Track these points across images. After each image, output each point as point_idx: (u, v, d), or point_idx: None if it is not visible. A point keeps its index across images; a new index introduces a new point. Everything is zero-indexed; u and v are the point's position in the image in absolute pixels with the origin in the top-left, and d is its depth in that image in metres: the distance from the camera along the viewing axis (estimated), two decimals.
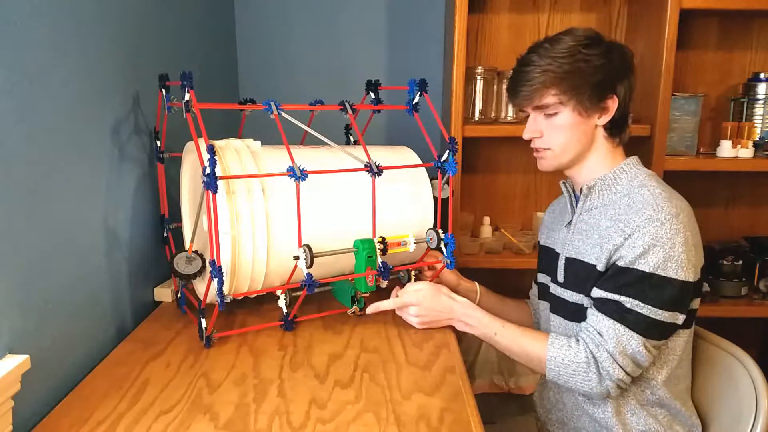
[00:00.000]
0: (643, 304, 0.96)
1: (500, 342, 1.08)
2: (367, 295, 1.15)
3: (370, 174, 1.09)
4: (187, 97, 0.98)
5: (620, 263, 0.99)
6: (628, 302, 0.97)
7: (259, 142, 1.11)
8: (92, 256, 1.01)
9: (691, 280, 0.97)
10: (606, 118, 1.05)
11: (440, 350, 1.04)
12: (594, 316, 1.01)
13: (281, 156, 1.09)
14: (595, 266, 1.03)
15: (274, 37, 1.87)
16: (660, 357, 1.03)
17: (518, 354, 1.07)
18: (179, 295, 1.19)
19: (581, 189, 1.10)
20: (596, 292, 1.02)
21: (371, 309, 1.15)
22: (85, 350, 0.98)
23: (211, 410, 0.84)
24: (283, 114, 1.07)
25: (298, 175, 1.00)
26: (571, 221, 1.13)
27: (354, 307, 1.17)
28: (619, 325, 0.98)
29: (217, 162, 0.94)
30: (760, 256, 1.74)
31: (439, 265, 1.24)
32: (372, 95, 1.26)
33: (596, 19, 1.83)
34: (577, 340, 1.02)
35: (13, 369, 0.74)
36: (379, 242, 1.10)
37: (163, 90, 1.13)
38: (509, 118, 1.76)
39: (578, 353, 1.00)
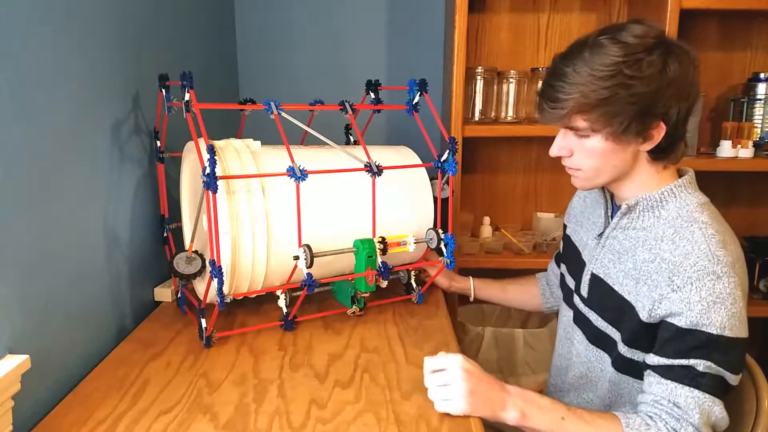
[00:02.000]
0: (715, 366, 0.85)
1: (569, 429, 0.87)
2: (367, 295, 1.15)
3: (370, 174, 1.09)
4: (187, 97, 0.98)
5: (679, 323, 0.86)
6: (700, 365, 0.85)
7: (258, 142, 1.11)
8: (92, 256, 1.01)
9: (747, 336, 0.88)
10: (650, 146, 0.90)
11: (440, 350, 1.04)
12: (662, 386, 0.87)
13: (281, 156, 1.09)
14: (632, 306, 0.93)
15: (274, 37, 1.87)
16: None
17: None
18: (179, 295, 1.19)
19: (620, 205, 0.98)
20: (656, 360, 0.89)
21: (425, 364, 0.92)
22: (85, 350, 0.98)
23: (211, 410, 0.84)
24: (283, 114, 1.07)
25: (298, 175, 1.00)
26: (602, 233, 1.03)
27: (354, 307, 1.17)
28: (697, 392, 0.85)
29: (217, 162, 0.94)
30: (760, 256, 1.74)
31: (433, 269, 1.24)
32: (372, 95, 1.26)
33: (596, 19, 1.83)
34: (650, 417, 0.87)
35: (13, 369, 0.74)
36: (379, 242, 1.10)
37: (163, 90, 1.13)
38: (509, 118, 1.76)
39: None
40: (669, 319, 0.88)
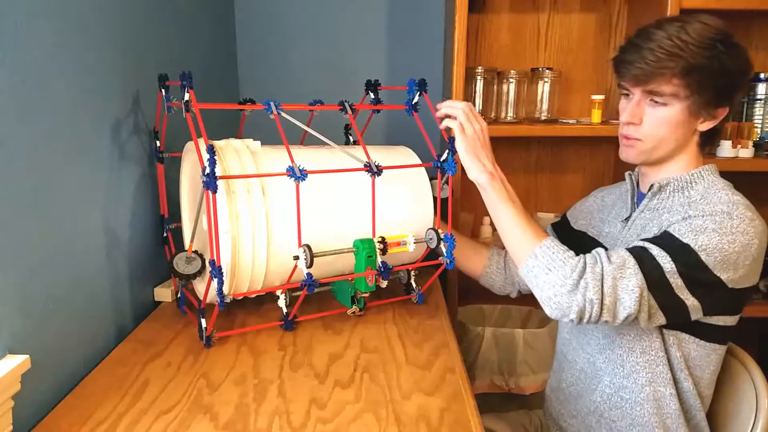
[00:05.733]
0: (669, 260, 0.87)
1: (511, 211, 0.98)
2: (367, 295, 1.15)
3: (369, 174, 1.09)
4: (186, 97, 0.98)
5: (669, 230, 0.91)
6: (655, 250, 0.89)
7: (258, 143, 1.11)
8: (92, 256, 1.01)
9: (726, 282, 0.89)
10: (709, 125, 0.97)
11: (440, 350, 1.04)
12: (613, 250, 0.93)
13: (281, 156, 1.09)
14: None
15: (274, 37, 1.87)
16: (693, 371, 0.98)
17: (515, 229, 0.97)
18: (179, 295, 1.19)
19: (651, 186, 1.02)
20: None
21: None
22: (85, 350, 0.98)
23: (211, 410, 0.84)
24: (283, 114, 1.07)
25: (297, 175, 1.00)
26: (629, 217, 1.06)
27: (354, 307, 1.17)
28: (632, 259, 0.88)
29: (216, 162, 0.94)
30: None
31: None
32: (371, 95, 1.26)
33: (596, 19, 1.83)
34: (573, 250, 0.94)
35: (13, 369, 0.74)
36: (378, 242, 1.10)
37: (163, 90, 1.13)
38: (509, 118, 1.76)
39: (574, 257, 0.91)
40: (664, 229, 0.93)
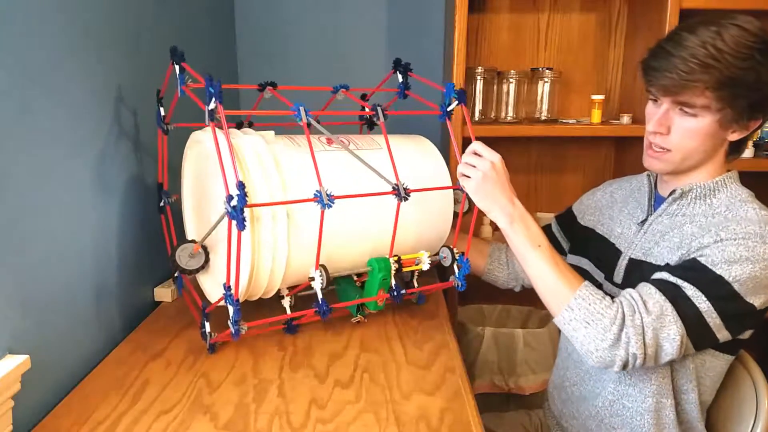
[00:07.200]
0: (704, 300, 0.86)
1: (539, 257, 0.94)
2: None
3: (396, 198, 1.01)
4: (212, 105, 0.91)
5: (701, 259, 0.88)
6: (690, 290, 0.86)
7: (272, 137, 1.05)
8: (92, 256, 1.01)
9: (756, 306, 0.88)
10: (740, 136, 0.94)
11: (440, 350, 1.04)
12: (645, 288, 0.90)
13: (303, 162, 1.01)
14: (666, 264, 0.94)
15: (273, 37, 1.87)
16: (697, 378, 0.98)
17: (546, 278, 0.94)
18: (176, 275, 1.15)
19: (672, 191, 0.99)
20: (658, 275, 0.91)
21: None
22: (85, 350, 0.98)
23: (211, 410, 0.84)
24: (312, 122, 0.97)
25: (325, 201, 0.92)
26: (645, 220, 1.03)
27: (358, 315, 1.15)
28: (669, 305, 0.86)
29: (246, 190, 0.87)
30: None
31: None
32: (400, 77, 1.19)
33: (596, 19, 1.83)
34: (609, 296, 0.91)
35: (13, 369, 0.74)
36: (395, 262, 1.07)
37: (176, 66, 1.03)
38: (509, 118, 1.76)
39: (611, 307, 0.88)
40: (693, 254, 0.89)
